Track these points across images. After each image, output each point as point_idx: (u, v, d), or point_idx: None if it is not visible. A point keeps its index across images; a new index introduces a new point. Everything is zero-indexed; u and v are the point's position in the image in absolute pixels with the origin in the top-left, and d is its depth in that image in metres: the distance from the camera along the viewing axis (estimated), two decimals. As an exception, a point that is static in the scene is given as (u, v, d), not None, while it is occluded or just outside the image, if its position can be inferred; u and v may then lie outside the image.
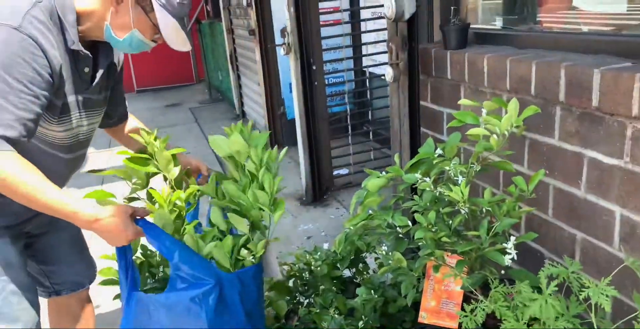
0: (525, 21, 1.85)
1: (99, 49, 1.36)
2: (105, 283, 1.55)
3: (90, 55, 1.30)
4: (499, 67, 1.53)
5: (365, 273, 1.83)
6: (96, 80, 1.36)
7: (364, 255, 1.82)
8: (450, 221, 1.28)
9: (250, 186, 1.38)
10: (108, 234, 1.25)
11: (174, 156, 1.55)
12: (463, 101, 1.41)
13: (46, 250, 1.56)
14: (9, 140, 1.13)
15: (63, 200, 1.18)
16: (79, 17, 1.26)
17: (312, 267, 1.77)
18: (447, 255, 1.34)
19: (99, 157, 4.77)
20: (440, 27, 1.82)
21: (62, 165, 1.39)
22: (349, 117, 3.47)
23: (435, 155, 1.38)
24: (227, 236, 1.38)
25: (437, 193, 1.29)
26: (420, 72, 1.91)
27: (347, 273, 1.83)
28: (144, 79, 8.15)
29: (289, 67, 4.19)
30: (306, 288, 1.79)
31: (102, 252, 1.58)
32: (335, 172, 3.49)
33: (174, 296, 1.31)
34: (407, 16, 1.81)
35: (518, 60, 1.46)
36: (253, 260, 1.38)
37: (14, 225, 1.38)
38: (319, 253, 1.82)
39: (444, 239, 1.25)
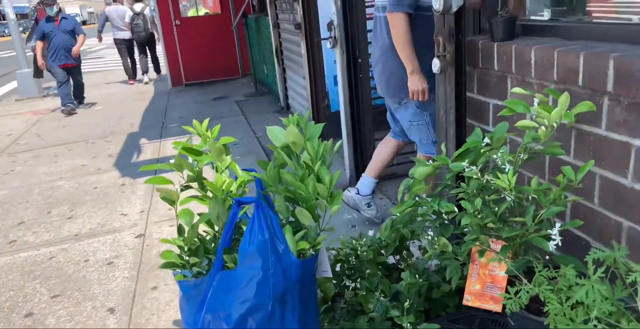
0: (573, 12, 1.85)
1: None
2: (165, 266, 1.55)
3: None
4: (546, 59, 1.54)
5: (409, 259, 1.89)
6: None
7: (407, 242, 1.88)
8: (496, 208, 1.33)
9: (307, 177, 1.45)
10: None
11: (225, 146, 1.65)
12: (516, 89, 1.43)
13: None
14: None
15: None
16: None
17: (359, 252, 1.84)
18: (492, 241, 1.38)
19: (150, 147, 5.00)
20: (488, 19, 1.84)
21: None
22: (393, 109, 3.49)
23: (483, 144, 1.42)
24: (287, 225, 1.45)
25: (484, 181, 1.33)
26: (467, 63, 1.94)
27: (391, 259, 1.89)
28: (192, 73, 8.43)
29: (333, 61, 4.24)
30: (352, 272, 1.86)
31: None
32: (378, 163, 3.52)
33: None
34: (454, 9, 1.83)
35: (566, 51, 1.48)
36: (313, 252, 1.45)
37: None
38: (364, 239, 1.89)
39: (490, 225, 1.30)
